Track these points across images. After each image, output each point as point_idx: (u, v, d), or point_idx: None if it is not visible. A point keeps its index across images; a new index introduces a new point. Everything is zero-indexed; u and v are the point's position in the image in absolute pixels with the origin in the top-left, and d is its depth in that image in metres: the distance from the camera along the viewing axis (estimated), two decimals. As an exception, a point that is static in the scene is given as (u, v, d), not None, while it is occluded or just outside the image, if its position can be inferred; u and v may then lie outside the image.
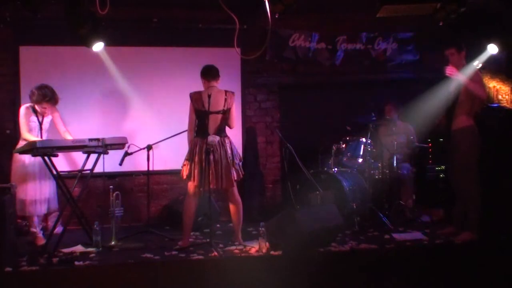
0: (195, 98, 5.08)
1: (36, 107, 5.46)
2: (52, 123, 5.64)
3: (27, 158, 5.36)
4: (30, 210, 5.34)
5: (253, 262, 4.71)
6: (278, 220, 4.96)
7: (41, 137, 5.49)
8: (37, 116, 5.48)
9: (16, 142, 5.55)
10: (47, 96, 5.42)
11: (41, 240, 5.34)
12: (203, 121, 5.06)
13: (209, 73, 5.16)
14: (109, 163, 5.52)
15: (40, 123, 5.50)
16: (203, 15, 6.55)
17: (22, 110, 5.48)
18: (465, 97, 5.18)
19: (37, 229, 5.41)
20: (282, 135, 6.41)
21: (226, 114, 5.11)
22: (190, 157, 5.06)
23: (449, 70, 5.18)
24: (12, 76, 6.22)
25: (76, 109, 6.26)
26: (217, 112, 5.06)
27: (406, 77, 7.35)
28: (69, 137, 5.60)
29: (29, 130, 5.42)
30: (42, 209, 5.43)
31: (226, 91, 5.15)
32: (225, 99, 5.10)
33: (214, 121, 5.06)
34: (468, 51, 5.35)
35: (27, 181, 5.35)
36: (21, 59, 6.21)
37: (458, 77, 5.15)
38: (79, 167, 5.42)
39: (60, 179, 5.29)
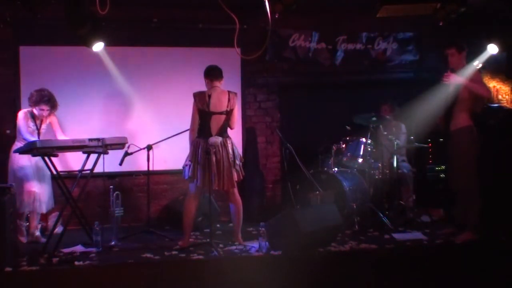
0: (199, 98, 5.08)
1: (35, 111, 5.47)
2: (50, 128, 5.65)
3: (23, 159, 5.37)
4: (27, 207, 5.36)
5: (253, 262, 4.71)
6: (278, 220, 4.97)
7: None
8: (35, 122, 5.49)
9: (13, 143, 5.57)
10: (45, 97, 5.44)
11: (23, 239, 5.42)
12: (205, 122, 5.05)
13: (213, 73, 5.16)
14: (109, 163, 5.51)
15: (38, 129, 5.50)
16: (203, 15, 6.55)
17: (21, 114, 5.51)
18: (467, 96, 5.16)
19: (23, 228, 5.46)
20: (282, 135, 6.41)
21: (229, 115, 5.11)
22: (193, 158, 5.04)
23: (447, 77, 5.17)
24: (12, 76, 6.21)
25: (76, 109, 6.25)
26: (220, 113, 5.06)
27: (406, 77, 7.36)
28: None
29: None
30: (42, 207, 5.45)
31: (229, 92, 5.15)
32: (228, 100, 5.10)
33: (216, 122, 5.06)
34: (468, 51, 5.35)
35: (27, 179, 5.37)
36: (21, 59, 6.20)
37: (458, 81, 5.14)
38: (79, 167, 5.42)
39: (60, 179, 5.29)
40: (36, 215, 5.48)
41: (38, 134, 5.52)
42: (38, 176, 5.46)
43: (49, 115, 5.58)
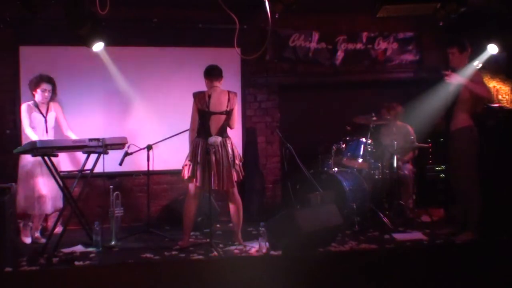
0: (199, 98, 5.09)
1: (37, 96, 5.46)
2: (56, 120, 5.67)
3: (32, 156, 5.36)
4: (36, 208, 5.35)
5: (253, 262, 4.71)
6: (278, 220, 4.97)
7: (47, 133, 5.51)
8: (40, 112, 5.49)
9: (20, 142, 5.57)
10: (44, 77, 5.49)
11: (28, 240, 5.41)
12: (205, 121, 5.05)
13: (212, 73, 5.16)
14: (109, 163, 5.51)
15: (45, 118, 5.50)
16: (203, 15, 6.55)
17: (23, 107, 5.51)
18: (468, 96, 5.16)
19: (28, 229, 5.45)
20: (282, 135, 6.41)
21: (228, 115, 5.12)
22: (192, 158, 5.05)
23: (448, 76, 5.17)
24: (12, 76, 6.21)
25: (76, 109, 6.25)
26: (220, 113, 5.07)
27: (406, 77, 7.35)
28: (71, 134, 5.65)
29: (33, 127, 5.43)
30: (48, 207, 5.43)
31: (229, 92, 5.16)
32: (228, 100, 5.10)
33: (216, 122, 5.06)
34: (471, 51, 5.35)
35: (34, 179, 5.36)
36: (21, 59, 6.20)
37: (459, 81, 5.14)
38: (79, 167, 5.42)
39: (60, 179, 5.29)
40: (41, 216, 5.47)
41: (46, 125, 5.51)
42: (47, 172, 5.41)
43: (51, 100, 5.58)
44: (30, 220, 5.47)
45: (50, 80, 5.53)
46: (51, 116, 5.58)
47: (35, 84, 5.47)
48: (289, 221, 4.80)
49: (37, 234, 5.49)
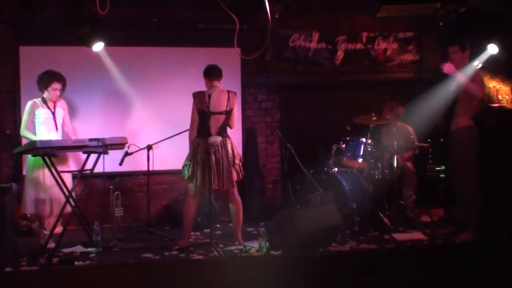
0: (198, 98, 5.08)
1: (46, 93, 5.44)
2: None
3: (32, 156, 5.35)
4: (44, 209, 5.34)
5: (253, 262, 4.71)
6: (278, 220, 4.97)
7: (57, 130, 5.49)
8: (48, 108, 5.47)
9: (20, 142, 5.57)
10: (56, 75, 5.45)
11: (51, 243, 5.34)
12: (205, 121, 5.05)
13: (212, 73, 5.16)
14: (109, 163, 5.51)
15: (53, 114, 5.48)
16: (203, 15, 6.56)
17: (27, 105, 5.45)
18: (464, 96, 5.18)
19: (47, 230, 5.40)
20: (282, 135, 6.41)
21: (228, 114, 5.12)
22: (192, 158, 5.05)
23: (447, 67, 5.16)
24: (12, 76, 6.22)
25: (76, 109, 6.26)
26: (220, 113, 5.06)
27: (406, 77, 7.35)
28: (73, 135, 5.64)
29: (42, 123, 5.41)
30: (57, 207, 5.41)
31: (228, 92, 5.15)
32: (228, 99, 5.10)
33: (216, 122, 5.06)
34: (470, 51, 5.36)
35: (42, 181, 5.35)
36: (21, 59, 6.20)
37: (457, 76, 5.15)
38: (80, 167, 5.42)
39: (60, 179, 5.28)
40: (51, 217, 5.46)
41: (55, 120, 5.50)
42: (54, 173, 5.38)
43: (60, 96, 5.57)
44: (41, 221, 5.45)
45: (61, 79, 5.51)
46: (59, 113, 5.57)
47: (46, 82, 5.42)
48: (289, 221, 4.80)
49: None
